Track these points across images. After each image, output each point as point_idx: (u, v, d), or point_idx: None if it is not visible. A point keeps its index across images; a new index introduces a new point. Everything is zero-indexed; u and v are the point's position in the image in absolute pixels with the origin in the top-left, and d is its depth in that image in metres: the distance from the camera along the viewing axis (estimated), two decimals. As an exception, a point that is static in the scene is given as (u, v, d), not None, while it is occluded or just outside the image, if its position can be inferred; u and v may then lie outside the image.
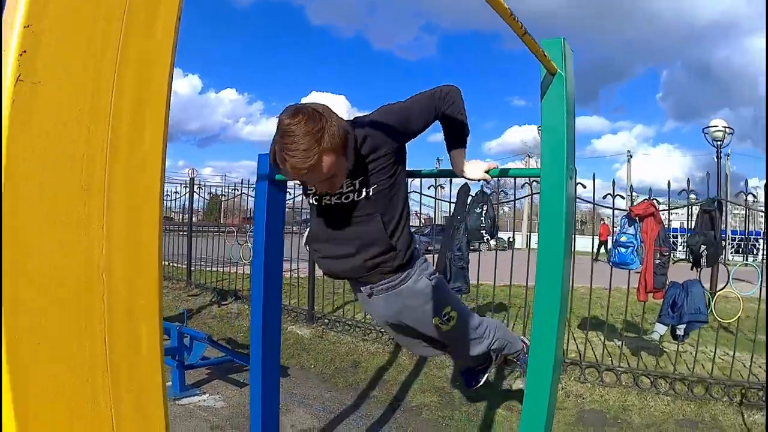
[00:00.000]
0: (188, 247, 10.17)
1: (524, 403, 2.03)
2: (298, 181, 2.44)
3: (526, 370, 2.49)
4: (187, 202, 10.33)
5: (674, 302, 4.83)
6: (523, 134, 75.77)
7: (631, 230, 5.16)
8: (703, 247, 4.68)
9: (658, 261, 4.98)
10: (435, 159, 16.90)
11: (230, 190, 9.91)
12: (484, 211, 5.58)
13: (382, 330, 2.19)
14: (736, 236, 12.62)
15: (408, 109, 2.02)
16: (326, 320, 7.27)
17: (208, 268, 10.45)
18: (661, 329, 5.10)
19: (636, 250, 5.08)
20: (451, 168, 2.21)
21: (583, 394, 5.11)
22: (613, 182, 5.41)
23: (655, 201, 5.13)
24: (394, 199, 2.04)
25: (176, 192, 10.71)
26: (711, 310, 4.82)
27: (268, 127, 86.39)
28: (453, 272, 5.60)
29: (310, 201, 2.16)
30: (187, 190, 10.01)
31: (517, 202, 6.71)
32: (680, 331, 4.85)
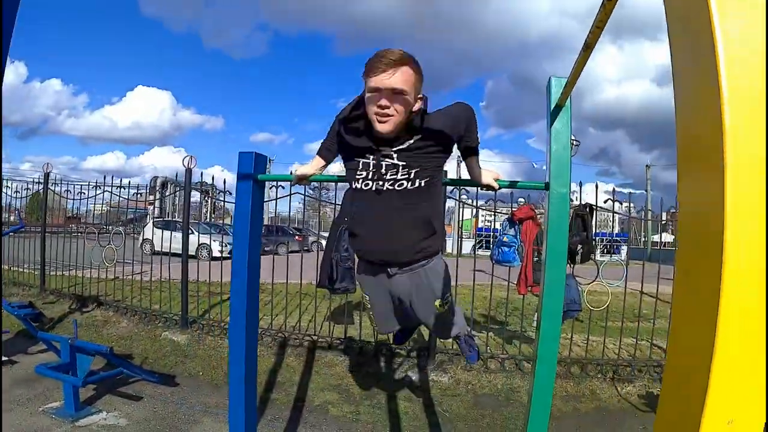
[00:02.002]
0: (41, 250, 9.27)
1: (533, 399, 2.30)
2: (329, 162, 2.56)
3: (469, 352, 2.91)
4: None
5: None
6: (347, 135, 77.27)
7: (512, 231, 5.75)
8: (579, 246, 5.37)
9: (536, 259, 5.61)
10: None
11: (84, 189, 9.13)
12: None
13: (367, 300, 2.27)
14: (602, 237, 14.21)
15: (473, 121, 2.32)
16: (201, 324, 7.08)
17: (60, 273, 9.59)
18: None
19: (517, 249, 5.68)
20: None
21: (472, 381, 5.58)
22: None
23: (533, 205, 5.77)
24: (437, 189, 2.29)
25: (27, 189, 9.65)
26: (583, 301, 5.57)
27: (92, 121, 78.63)
28: (340, 273, 5.75)
29: (359, 186, 2.25)
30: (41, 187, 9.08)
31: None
32: (559, 319, 5.50)
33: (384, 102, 2.04)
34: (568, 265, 5.68)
